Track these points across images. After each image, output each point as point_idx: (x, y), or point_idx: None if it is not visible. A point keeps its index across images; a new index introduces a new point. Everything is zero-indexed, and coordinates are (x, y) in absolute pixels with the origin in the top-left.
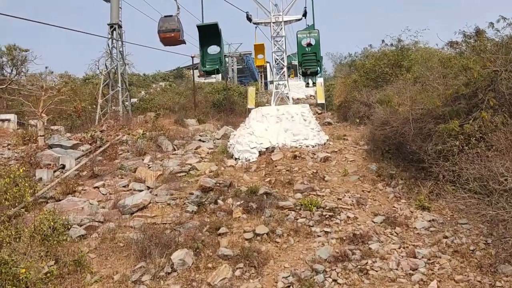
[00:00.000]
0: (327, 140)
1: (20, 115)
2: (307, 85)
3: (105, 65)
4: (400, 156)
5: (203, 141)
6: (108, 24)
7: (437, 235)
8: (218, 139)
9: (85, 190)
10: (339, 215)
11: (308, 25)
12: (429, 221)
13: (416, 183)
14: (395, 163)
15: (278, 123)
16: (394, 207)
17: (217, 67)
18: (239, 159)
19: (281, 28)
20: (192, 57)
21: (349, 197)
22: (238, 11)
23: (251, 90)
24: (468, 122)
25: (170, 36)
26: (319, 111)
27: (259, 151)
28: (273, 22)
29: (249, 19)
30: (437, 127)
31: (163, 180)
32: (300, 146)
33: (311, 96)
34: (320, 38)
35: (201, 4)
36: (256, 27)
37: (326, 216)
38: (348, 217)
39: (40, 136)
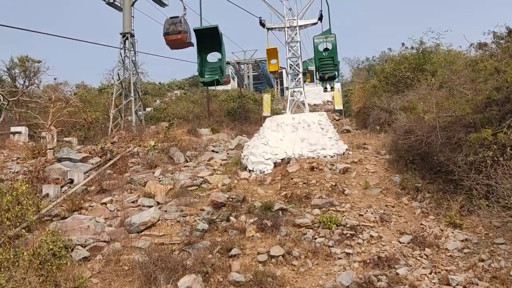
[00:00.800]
0: (346, 149)
1: (32, 127)
2: (325, 89)
3: (118, 74)
4: (426, 166)
5: (216, 152)
6: (121, 34)
7: (472, 258)
8: (231, 149)
9: (92, 206)
10: (361, 234)
11: (324, 30)
12: (462, 241)
13: (445, 196)
14: (420, 174)
15: (294, 132)
16: (422, 224)
17: (217, 77)
18: (253, 171)
19: (296, 33)
20: None
21: (372, 213)
22: (253, 17)
23: (266, 97)
24: (502, 131)
25: (177, 39)
26: (337, 117)
27: (274, 163)
28: (287, 27)
29: (262, 25)
30: (467, 137)
31: (173, 194)
32: (317, 157)
33: (328, 101)
34: (337, 43)
35: (200, 4)
36: (268, 31)
37: (347, 235)
38: (372, 236)
39: (49, 149)
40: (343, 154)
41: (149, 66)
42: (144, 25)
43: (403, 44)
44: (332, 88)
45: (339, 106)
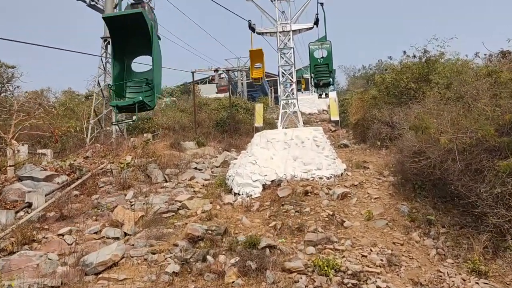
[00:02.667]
0: (345, 169)
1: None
2: (320, 96)
3: (98, 82)
4: (438, 193)
5: (199, 170)
6: (102, 38)
7: None
8: (217, 167)
9: (46, 238)
10: (366, 284)
11: (319, 36)
12: None
13: (464, 233)
14: (431, 202)
15: (286, 149)
16: (439, 271)
17: (142, 98)
18: (239, 194)
19: (289, 38)
20: (193, 72)
21: (377, 254)
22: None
23: (259, 107)
24: None
25: None
26: (333, 128)
27: (263, 185)
28: (280, 32)
29: (252, 29)
30: (493, 163)
31: (144, 223)
32: (312, 178)
33: (323, 110)
34: (332, 50)
35: None
36: (252, 33)
37: (349, 285)
38: (378, 287)
39: (10, 166)
40: (341, 175)
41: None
42: None
43: (404, 52)
44: (327, 95)
45: (335, 117)
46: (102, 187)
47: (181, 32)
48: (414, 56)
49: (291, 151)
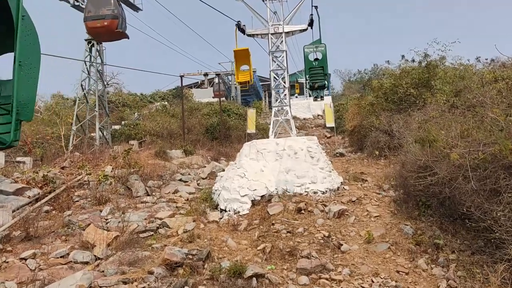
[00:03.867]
0: (341, 183)
1: None
2: (316, 98)
3: (81, 86)
4: (446, 212)
5: (185, 182)
6: (86, 40)
7: None
8: (203, 178)
9: (7, 263)
10: None
11: (314, 38)
12: None
13: (476, 260)
14: (439, 223)
15: (278, 161)
16: None
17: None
18: (225, 210)
19: (282, 41)
20: (181, 76)
21: (380, 286)
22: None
23: (251, 112)
24: None
25: (102, 26)
26: (328, 135)
27: (252, 200)
28: (272, 34)
29: (242, 30)
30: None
31: (119, 245)
32: (306, 193)
33: (318, 115)
34: (327, 53)
35: None
36: (236, 26)
37: None
38: None
39: None
40: (338, 189)
41: (132, 75)
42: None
43: (403, 56)
44: (322, 98)
45: (330, 123)
46: (77, 201)
47: (174, 35)
48: (413, 61)
49: (283, 162)
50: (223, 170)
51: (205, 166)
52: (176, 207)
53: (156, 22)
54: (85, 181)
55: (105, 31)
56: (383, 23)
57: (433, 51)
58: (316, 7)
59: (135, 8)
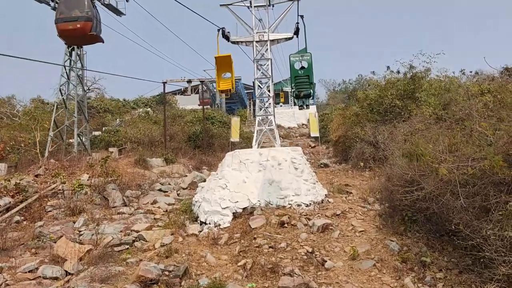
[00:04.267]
0: (326, 195)
1: None
2: (301, 107)
3: (60, 90)
4: (433, 228)
5: (164, 192)
6: (66, 43)
7: None
8: (184, 188)
9: None
10: None
11: (300, 46)
12: None
13: (464, 279)
14: (426, 239)
15: (261, 172)
16: None
17: None
18: (205, 223)
19: (267, 49)
20: (164, 83)
21: None
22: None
23: (235, 121)
24: None
25: (74, 29)
26: (313, 144)
27: (234, 213)
28: (257, 41)
29: (226, 37)
30: (502, 201)
31: (91, 260)
32: (289, 206)
33: (303, 124)
34: (313, 62)
35: None
36: (218, 32)
37: None
38: None
39: None
40: (322, 202)
41: (114, 80)
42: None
43: (388, 67)
44: (308, 106)
45: (315, 133)
46: (50, 211)
47: (158, 41)
48: (398, 72)
49: (266, 173)
50: (205, 181)
51: (186, 175)
52: (154, 218)
53: (140, 27)
54: (59, 190)
55: (77, 34)
56: (369, 34)
57: (418, 63)
58: (302, 16)
59: (118, 13)
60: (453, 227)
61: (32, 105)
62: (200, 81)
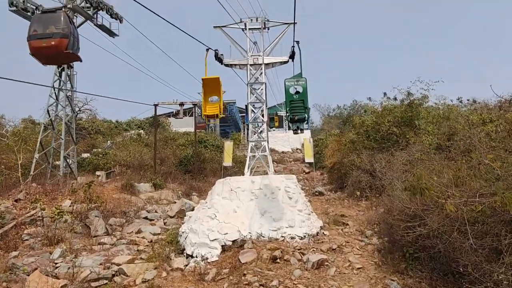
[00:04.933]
0: (321, 227)
1: None
2: (296, 132)
3: (48, 111)
4: (437, 267)
5: (150, 220)
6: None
7: None
8: (171, 217)
9: None
10: None
11: (295, 68)
12: None
13: None
14: (429, 279)
15: (253, 201)
16: None
17: None
18: (192, 256)
19: (261, 72)
20: (155, 105)
21: None
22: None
23: (228, 145)
24: None
25: (48, 47)
26: (307, 170)
27: (223, 246)
28: (251, 65)
29: (219, 60)
30: None
31: None
32: (282, 239)
33: (297, 149)
34: (307, 86)
35: None
36: (207, 51)
37: None
38: None
39: None
40: (317, 234)
41: (107, 101)
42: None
43: (385, 94)
44: (302, 131)
45: (309, 158)
46: (27, 240)
47: (152, 63)
48: (395, 99)
49: (258, 203)
50: (193, 209)
51: (175, 202)
52: (137, 250)
53: (134, 48)
54: (38, 217)
55: (51, 52)
56: (364, 60)
57: (416, 90)
58: (297, 42)
59: (111, 34)
60: (460, 269)
61: (22, 125)
62: (193, 104)
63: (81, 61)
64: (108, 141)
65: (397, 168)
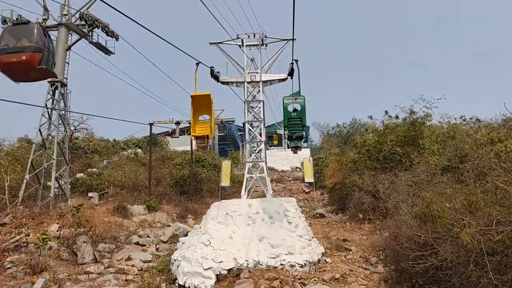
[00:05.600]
0: (322, 253)
1: None
2: (295, 152)
3: (39, 131)
4: None
5: (142, 246)
6: (49, 82)
7: None
8: (164, 242)
9: None
10: None
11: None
12: None
13: None
14: None
15: (250, 226)
16: None
17: None
18: (184, 286)
19: (259, 90)
20: (151, 124)
21: None
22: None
23: (226, 164)
24: None
25: (18, 62)
26: (307, 190)
27: (217, 275)
28: (248, 82)
29: (216, 77)
30: None
31: None
32: (281, 267)
33: (297, 168)
34: (306, 104)
35: None
36: (197, 65)
37: None
38: None
39: None
40: (318, 262)
41: (104, 120)
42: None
43: (386, 112)
44: (300, 148)
45: (309, 178)
46: (9, 268)
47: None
48: (397, 117)
49: (256, 228)
50: (187, 234)
51: (169, 225)
52: (126, 280)
53: (131, 66)
54: (23, 242)
55: (22, 68)
56: (362, 79)
57: (419, 108)
58: (296, 60)
59: (107, 52)
60: None
61: (17, 144)
62: (189, 123)
63: (56, 77)
64: (105, 161)
65: (402, 190)
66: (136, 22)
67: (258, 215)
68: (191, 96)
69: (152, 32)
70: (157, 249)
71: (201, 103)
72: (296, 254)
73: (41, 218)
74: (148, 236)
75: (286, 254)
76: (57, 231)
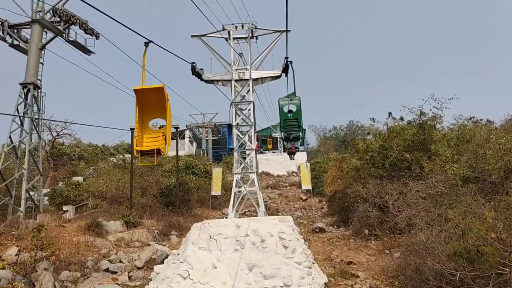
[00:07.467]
0: (325, 284)
1: None
2: (290, 155)
3: (10, 137)
4: None
5: (114, 272)
6: (21, 84)
7: None
8: (139, 268)
9: None
10: None
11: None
12: None
13: None
14: None
15: (238, 252)
16: None
17: None
18: None
19: (248, 89)
20: (132, 129)
21: None
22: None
23: (217, 171)
24: None
25: None
26: (304, 197)
27: None
28: (236, 80)
29: (198, 75)
30: None
31: None
32: None
33: (293, 172)
34: (301, 105)
35: None
36: (147, 46)
37: None
38: None
39: None
40: None
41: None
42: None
43: (390, 114)
44: (297, 149)
45: (306, 185)
46: None
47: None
48: (402, 119)
49: (245, 254)
50: (167, 257)
51: (149, 245)
52: None
53: (113, 65)
54: None
55: None
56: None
57: (429, 109)
58: (291, 62)
59: (86, 51)
60: None
61: None
62: (175, 128)
63: None
64: (91, 168)
65: (414, 203)
66: (113, 19)
67: (247, 238)
68: (135, 90)
69: (132, 30)
70: (129, 278)
71: (151, 101)
72: (293, 286)
73: (2, 239)
74: (120, 261)
75: (281, 287)
76: (16, 255)
